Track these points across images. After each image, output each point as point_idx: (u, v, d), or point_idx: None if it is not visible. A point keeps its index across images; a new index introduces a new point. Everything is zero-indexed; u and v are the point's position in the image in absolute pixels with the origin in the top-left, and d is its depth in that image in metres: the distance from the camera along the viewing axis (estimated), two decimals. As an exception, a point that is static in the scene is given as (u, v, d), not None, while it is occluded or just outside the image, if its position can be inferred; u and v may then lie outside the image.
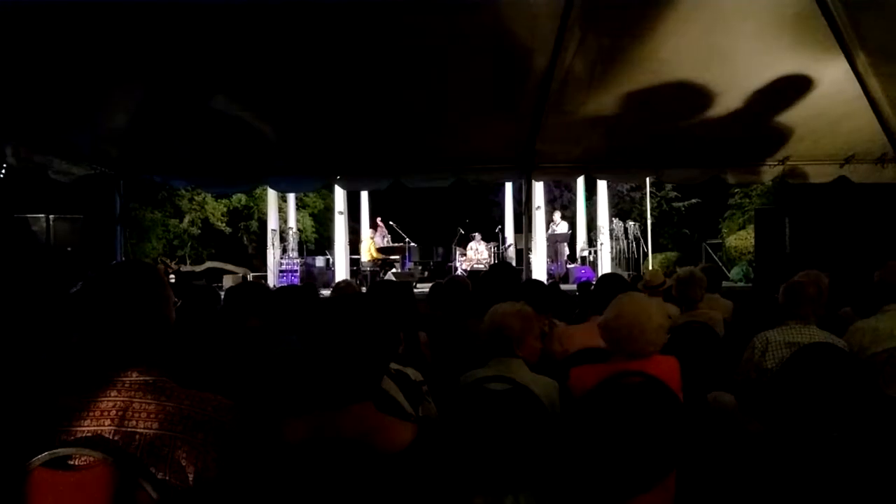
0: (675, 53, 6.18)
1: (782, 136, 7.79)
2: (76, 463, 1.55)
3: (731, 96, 6.88)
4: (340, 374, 1.68)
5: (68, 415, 1.60)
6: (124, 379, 1.64)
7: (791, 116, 7.32)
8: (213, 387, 1.75)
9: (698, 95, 6.82)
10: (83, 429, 1.58)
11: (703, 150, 8.19)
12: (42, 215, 10.67)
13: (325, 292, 11.99)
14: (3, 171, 6.71)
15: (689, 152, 8.26)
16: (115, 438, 1.56)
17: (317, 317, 1.73)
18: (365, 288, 9.31)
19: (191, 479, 1.55)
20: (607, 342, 2.84)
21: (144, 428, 1.57)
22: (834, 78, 6.52)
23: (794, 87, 6.71)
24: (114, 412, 1.59)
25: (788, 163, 8.41)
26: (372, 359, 1.72)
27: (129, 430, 1.57)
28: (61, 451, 1.54)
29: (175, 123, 7.28)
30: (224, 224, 20.53)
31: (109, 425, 1.57)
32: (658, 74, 6.49)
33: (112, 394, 1.62)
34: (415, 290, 7.25)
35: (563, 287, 12.59)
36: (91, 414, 1.59)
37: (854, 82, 6.54)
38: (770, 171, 8.55)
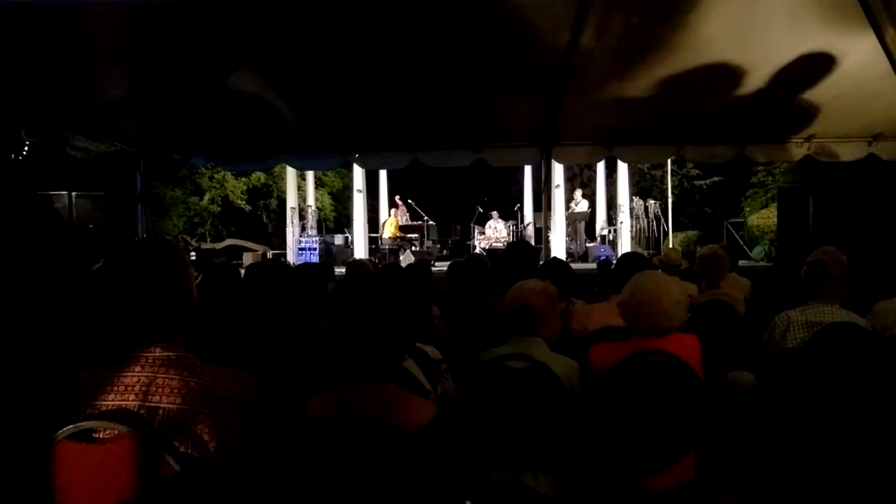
0: (702, 32, 6.08)
1: (809, 113, 7.66)
2: (101, 436, 1.58)
3: (757, 74, 6.76)
4: (366, 353, 1.69)
5: (93, 389, 1.63)
6: (148, 355, 1.66)
7: (818, 93, 7.19)
8: (234, 362, 1.77)
9: (724, 73, 6.72)
10: (108, 403, 1.60)
11: (728, 128, 8.09)
12: (64, 192, 10.81)
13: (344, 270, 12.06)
14: (26, 149, 6.77)
15: (714, 130, 8.16)
16: (140, 412, 1.58)
17: (344, 295, 1.73)
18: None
19: (212, 452, 1.58)
20: (626, 320, 2.83)
21: (168, 403, 1.59)
22: (863, 54, 6.39)
23: (823, 63, 6.58)
24: (138, 387, 1.61)
25: (815, 140, 8.29)
26: (398, 339, 1.72)
27: (152, 404, 1.59)
28: (86, 424, 1.57)
29: (195, 101, 7.30)
30: (244, 202, 20.62)
31: (133, 400, 1.60)
32: (684, 52, 6.39)
33: (136, 369, 1.64)
34: (433, 269, 7.28)
35: (583, 266, 12.59)
36: (115, 389, 1.62)
37: (884, 59, 6.40)
38: (796, 149, 8.42)
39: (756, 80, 6.86)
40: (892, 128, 7.94)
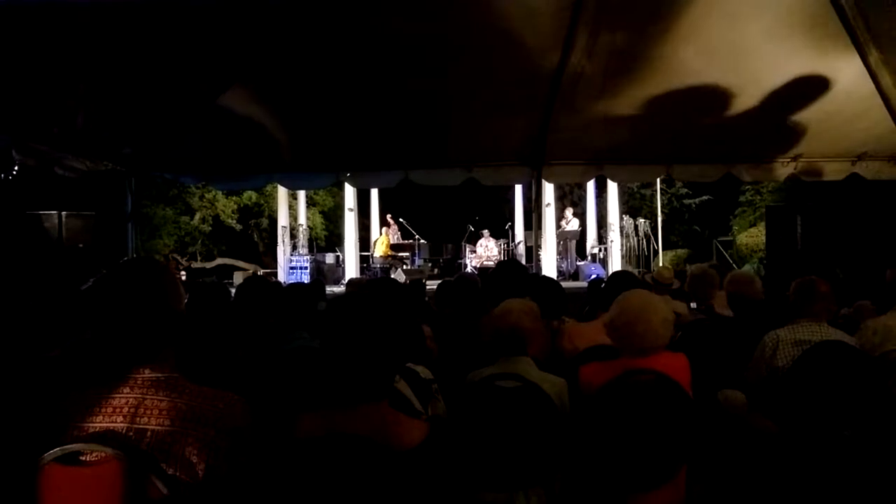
0: (690, 53, 6.14)
1: (795, 133, 7.73)
2: (88, 459, 1.56)
3: (745, 94, 6.83)
4: (357, 373, 1.68)
5: (81, 411, 1.61)
6: (136, 376, 1.65)
7: (805, 114, 7.26)
8: (223, 383, 1.76)
9: (712, 95, 6.78)
10: (95, 425, 1.59)
11: (716, 147, 8.14)
12: (54, 212, 10.75)
13: (336, 289, 12.03)
14: (15, 169, 6.74)
15: (702, 149, 8.21)
16: (128, 435, 1.57)
17: (333, 314, 1.73)
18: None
19: (201, 474, 1.56)
20: (613, 339, 2.84)
21: (156, 424, 1.58)
22: (848, 75, 6.46)
23: (809, 85, 6.66)
24: (126, 409, 1.60)
25: (801, 160, 8.35)
26: (389, 359, 1.72)
27: (140, 426, 1.58)
28: (73, 446, 1.55)
29: (186, 120, 7.30)
30: (235, 221, 20.57)
31: (121, 422, 1.59)
32: (672, 73, 6.46)
33: (124, 390, 1.63)
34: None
35: (573, 284, 12.60)
36: (103, 410, 1.61)
37: (868, 80, 6.48)
38: (782, 168, 8.49)
39: (744, 100, 6.93)
40: (875, 147, 8.02)
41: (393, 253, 14.70)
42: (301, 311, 3.58)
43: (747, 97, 6.88)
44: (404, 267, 14.34)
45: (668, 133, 7.79)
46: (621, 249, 15.29)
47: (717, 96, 6.84)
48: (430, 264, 16.24)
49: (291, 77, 6.55)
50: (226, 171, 8.87)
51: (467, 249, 15.94)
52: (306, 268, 14.74)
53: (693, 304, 4.87)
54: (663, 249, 16.47)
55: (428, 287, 7.33)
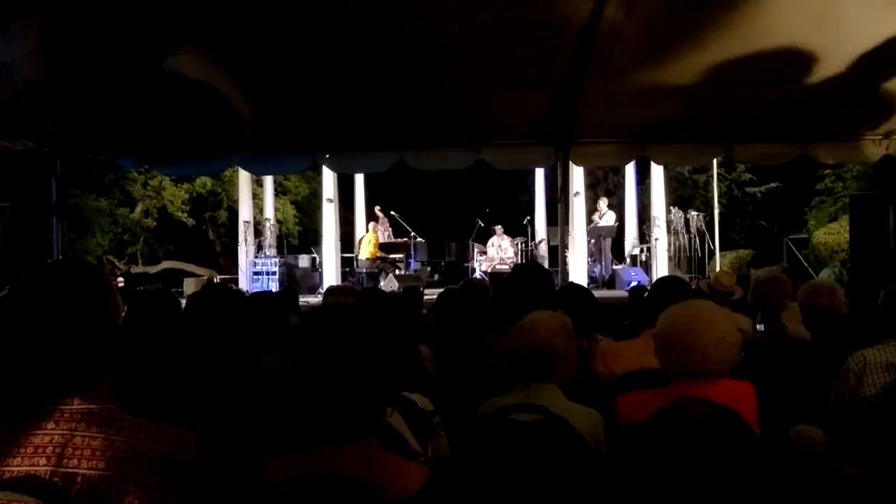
0: (759, 8, 6.13)
1: (890, 105, 7.72)
2: (3, 510, 1.56)
3: (827, 59, 6.81)
4: (338, 403, 1.68)
5: (-6, 451, 1.61)
6: (63, 408, 1.65)
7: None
8: (172, 417, 1.76)
9: (786, 57, 6.77)
10: (12, 469, 1.58)
11: (789, 123, 8.13)
12: (-42, 202, 10.76)
13: (312, 299, 12.04)
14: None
15: (771, 125, 8.20)
16: (52, 480, 1.56)
17: (309, 331, 1.73)
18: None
19: (144, 530, 1.56)
20: (662, 361, 2.83)
21: (88, 468, 1.58)
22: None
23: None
24: (50, 449, 1.60)
25: (895, 137, 8.35)
26: (379, 386, 1.72)
27: (69, 470, 1.57)
28: (-15, 495, 1.55)
29: (124, 89, 7.30)
30: (185, 215, 20.61)
31: (45, 465, 1.58)
32: (737, 30, 6.44)
33: (48, 426, 1.63)
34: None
35: (609, 293, 12.60)
36: (22, 451, 1.60)
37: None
38: (873, 148, 8.49)
39: (825, 65, 6.91)
40: None
41: (383, 254, 14.71)
42: (268, 328, 3.58)
43: (830, 61, 6.86)
44: (397, 272, 14.35)
45: (727, 105, 7.78)
46: (668, 250, 15.28)
47: (793, 60, 6.82)
48: (428, 268, 16.26)
49: (255, 35, 6.54)
50: (174, 152, 8.89)
51: (475, 250, 15.94)
52: (275, 273, 14.75)
53: (759, 319, 4.86)
54: (721, 250, 16.46)
55: (426, 297, 7.33)
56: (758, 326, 5.19)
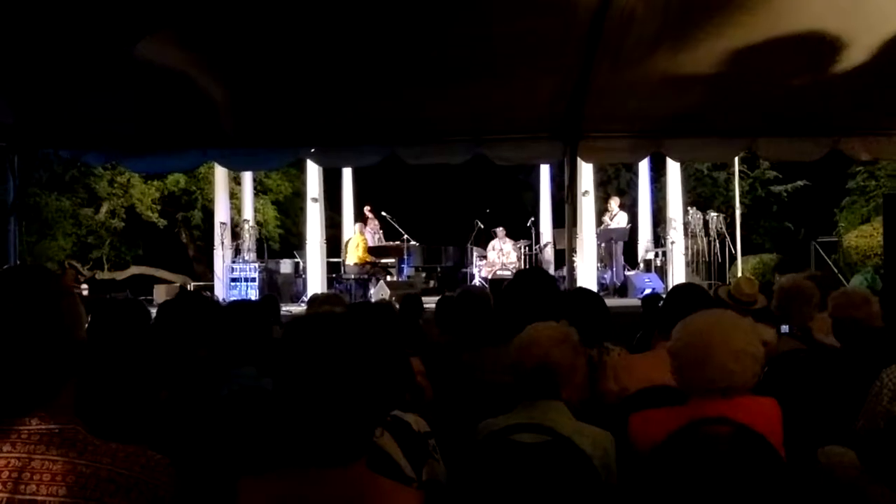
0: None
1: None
2: (-46, 542, 1.56)
3: (861, 45, 6.78)
4: (323, 422, 1.68)
5: (-57, 477, 1.61)
6: (20, 428, 1.64)
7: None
8: (140, 437, 1.75)
9: (816, 44, 6.74)
10: (-36, 495, 1.59)
11: (818, 115, 8.11)
12: None
13: (294, 308, 12.03)
14: None
15: (799, 117, 8.19)
16: (8, 508, 1.56)
17: (291, 344, 1.72)
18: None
19: (110, 563, 1.56)
20: (678, 377, 2.83)
21: (48, 494, 1.57)
22: None
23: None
24: (6, 473, 1.59)
25: (937, 131, 8.37)
26: (369, 404, 1.72)
27: (26, 497, 1.57)
28: (-66, 525, 1.55)
29: (89, 78, 7.29)
30: (156, 215, 20.59)
31: (1, 491, 1.58)
32: (762, 12, 6.44)
33: (3, 448, 1.62)
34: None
35: (620, 301, 12.60)
36: (-25, 475, 1.60)
37: None
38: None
39: (859, 51, 6.90)
40: None
41: (373, 259, 14.69)
42: (246, 340, 3.58)
43: (865, 47, 6.85)
44: (388, 278, 14.34)
45: (750, 95, 7.77)
46: (685, 254, 15.30)
47: (823, 46, 6.81)
48: (423, 274, 16.26)
49: (231, 16, 6.53)
50: (144, 146, 8.87)
51: (474, 254, 15.94)
52: (254, 279, 14.74)
53: (785, 328, 4.85)
54: (743, 254, 16.47)
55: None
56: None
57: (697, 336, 2.76)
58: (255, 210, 18.36)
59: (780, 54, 6.81)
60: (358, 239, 14.91)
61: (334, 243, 16.74)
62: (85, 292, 14.62)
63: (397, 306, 6.51)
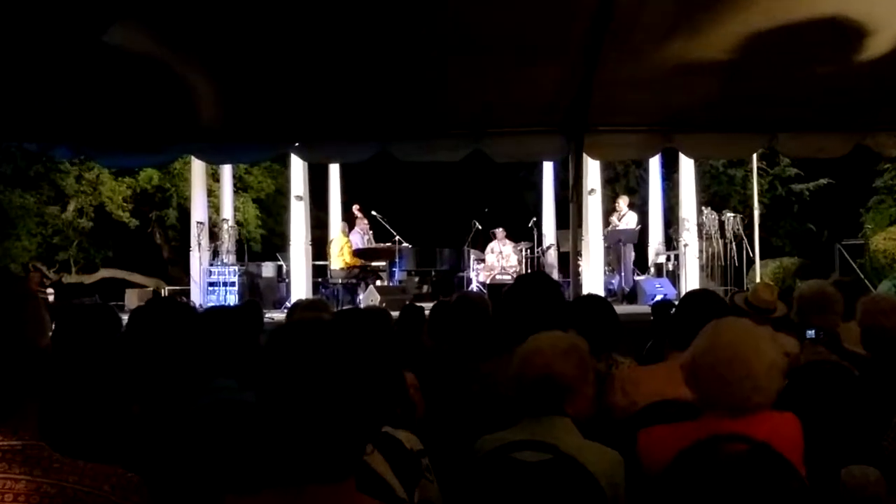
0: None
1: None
2: None
3: (890, 31, 6.81)
4: (309, 439, 1.68)
5: None
6: (-20, 444, 1.64)
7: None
8: (111, 454, 1.75)
9: (840, 29, 6.76)
10: (-80, 517, 1.58)
11: (843, 108, 8.12)
12: None
13: (278, 315, 12.02)
14: None
15: (822, 111, 8.19)
16: (-33, 531, 1.56)
17: (274, 354, 1.72)
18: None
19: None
20: (695, 390, 2.83)
21: (10, 516, 1.57)
22: None
23: None
24: (-35, 493, 1.59)
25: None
26: (358, 420, 1.72)
27: (-13, 518, 1.57)
28: None
29: (56, 66, 7.29)
30: (127, 214, 20.56)
31: (-41, 512, 1.58)
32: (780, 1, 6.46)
33: (-37, 466, 1.62)
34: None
35: (629, 309, 12.61)
36: (-69, 495, 1.60)
37: None
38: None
39: (887, 38, 6.91)
40: None
41: (362, 262, 14.68)
42: (226, 349, 3.57)
43: (893, 34, 6.87)
44: (378, 283, 14.34)
45: (769, 86, 7.78)
46: (699, 258, 15.31)
47: (849, 33, 6.83)
48: (416, 279, 16.25)
49: (213, 3, 6.54)
50: (115, 139, 8.85)
51: (472, 257, 15.93)
52: (234, 284, 14.73)
53: (811, 333, 4.84)
54: (762, 258, 16.50)
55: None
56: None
57: (717, 349, 2.75)
58: (235, 209, 18.34)
59: (802, 41, 6.82)
60: (342, 242, 14.87)
61: (320, 245, 16.70)
62: (51, 297, 14.62)
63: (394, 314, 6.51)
